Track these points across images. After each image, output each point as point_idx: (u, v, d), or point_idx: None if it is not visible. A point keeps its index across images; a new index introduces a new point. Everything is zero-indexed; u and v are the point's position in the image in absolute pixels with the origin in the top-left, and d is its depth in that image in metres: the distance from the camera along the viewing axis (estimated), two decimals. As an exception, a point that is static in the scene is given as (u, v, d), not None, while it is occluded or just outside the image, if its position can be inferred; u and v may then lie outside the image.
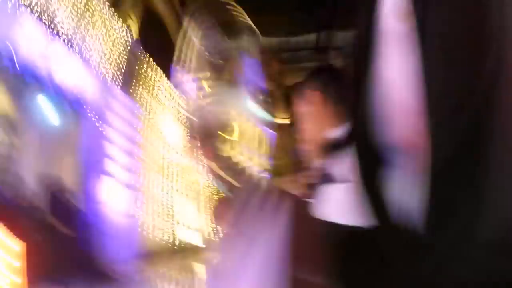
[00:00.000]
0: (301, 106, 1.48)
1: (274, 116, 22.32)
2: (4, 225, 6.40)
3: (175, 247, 12.82)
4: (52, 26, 7.98)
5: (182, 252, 12.89)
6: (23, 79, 7.06)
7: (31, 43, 6.83)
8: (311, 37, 21.31)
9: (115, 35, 10.83)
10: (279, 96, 22.98)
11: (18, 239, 5.53)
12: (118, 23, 11.04)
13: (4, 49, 6.15)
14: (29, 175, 8.89)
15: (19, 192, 8.76)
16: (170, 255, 12.02)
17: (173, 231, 12.91)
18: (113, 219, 8.57)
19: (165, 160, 13.40)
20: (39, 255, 5.94)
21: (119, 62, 10.97)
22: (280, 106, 23.16)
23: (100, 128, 8.91)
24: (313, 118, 1.44)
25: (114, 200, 8.80)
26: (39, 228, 6.79)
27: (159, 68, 13.34)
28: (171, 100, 14.44)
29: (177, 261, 11.74)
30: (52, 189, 8.35)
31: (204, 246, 15.30)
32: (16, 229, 6.14)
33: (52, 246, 6.65)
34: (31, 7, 7.06)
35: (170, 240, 12.71)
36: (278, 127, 21.98)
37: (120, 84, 10.95)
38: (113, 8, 10.90)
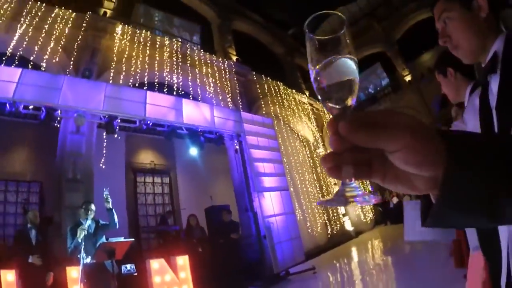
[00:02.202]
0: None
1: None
2: (172, 248, 7.94)
3: (332, 236, 12.86)
4: (165, 85, 9.70)
5: (337, 240, 12.82)
6: (157, 132, 8.77)
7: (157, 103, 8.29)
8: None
9: (222, 70, 12.19)
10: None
11: (181, 254, 6.81)
12: (219, 59, 12.40)
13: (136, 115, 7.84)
14: (189, 206, 10.70)
15: (178, 221, 10.57)
16: (329, 244, 12.15)
17: (327, 221, 13.05)
18: (272, 222, 9.36)
19: (308, 157, 13.71)
20: (202, 263, 7.12)
21: (236, 89, 12.21)
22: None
23: (240, 148, 10.07)
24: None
25: (269, 205, 9.64)
26: (199, 243, 8.12)
27: (277, 81, 14.10)
28: (299, 104, 14.87)
29: (335, 249, 11.77)
30: (209, 211, 9.82)
31: (353, 229, 14.61)
32: (180, 249, 7.56)
33: (215, 256, 7.84)
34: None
35: (329, 231, 12.83)
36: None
37: (245, 105, 12.10)
38: (208, 52, 12.34)
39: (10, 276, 5.39)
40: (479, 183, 0.43)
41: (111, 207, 4.84)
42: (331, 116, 0.52)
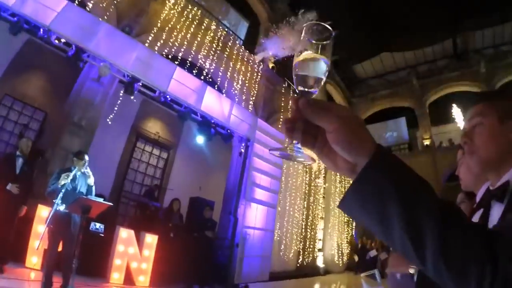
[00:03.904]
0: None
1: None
2: (145, 223, 7.85)
3: (301, 266, 12.62)
4: (197, 67, 9.67)
5: (305, 271, 12.56)
6: (172, 108, 8.73)
7: (181, 80, 8.24)
8: (447, 44, 17.90)
9: (255, 71, 12.14)
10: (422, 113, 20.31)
11: (152, 233, 6.73)
12: (255, 60, 12.36)
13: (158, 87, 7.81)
14: (177, 188, 10.63)
15: (160, 200, 10.46)
16: (295, 273, 11.93)
17: (301, 250, 12.83)
18: (249, 233, 9.24)
19: (306, 183, 13.54)
20: (168, 249, 7.02)
21: (261, 95, 12.15)
22: (424, 124, 20.24)
23: (245, 153, 9.97)
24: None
25: (252, 216, 9.52)
26: (174, 228, 8.02)
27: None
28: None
29: (300, 279, 11.52)
30: (193, 201, 9.74)
31: (323, 267, 14.38)
32: (153, 227, 7.47)
33: (184, 246, 7.72)
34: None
35: (300, 260, 12.61)
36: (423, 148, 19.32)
37: (264, 114, 12.04)
38: (248, 50, 12.26)
39: (-18, 194, 5.31)
40: (380, 189, 0.54)
41: (92, 184, 4.87)
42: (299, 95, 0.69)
